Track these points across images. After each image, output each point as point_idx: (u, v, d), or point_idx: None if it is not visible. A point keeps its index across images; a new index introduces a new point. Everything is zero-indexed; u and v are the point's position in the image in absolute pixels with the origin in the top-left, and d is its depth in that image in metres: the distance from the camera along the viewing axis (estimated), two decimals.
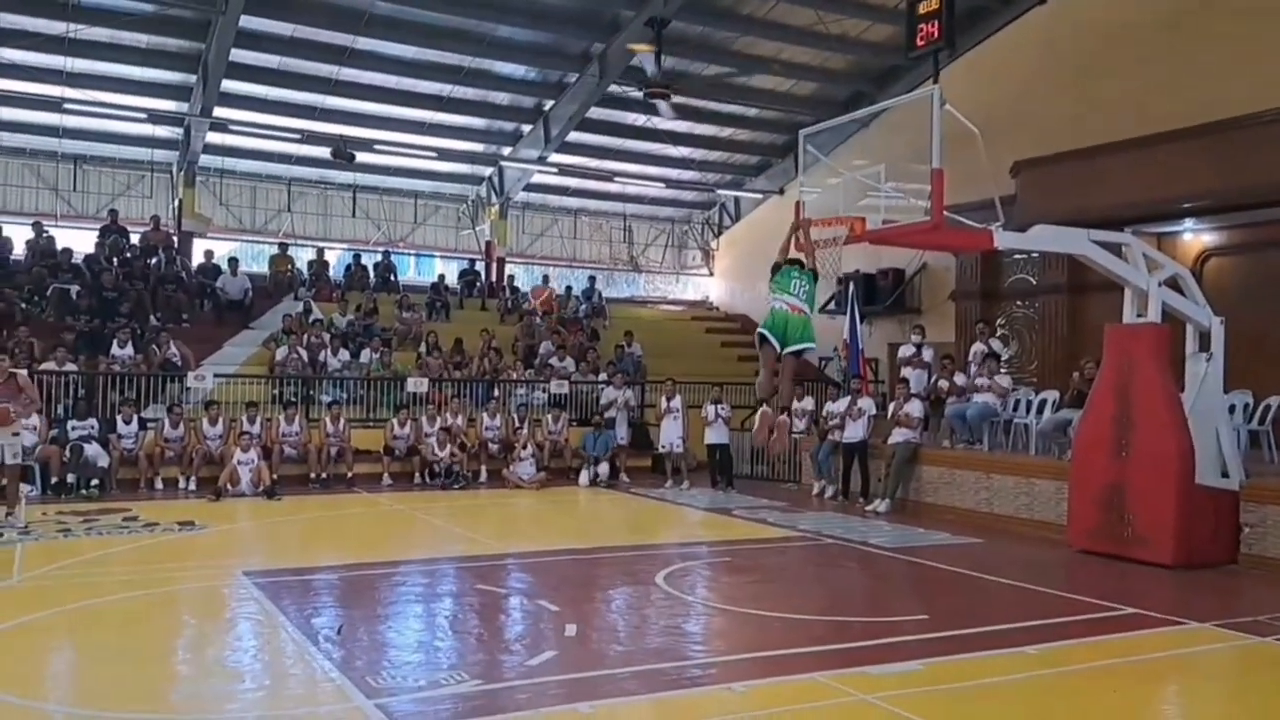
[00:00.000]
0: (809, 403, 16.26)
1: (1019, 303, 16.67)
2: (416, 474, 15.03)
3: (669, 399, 15.80)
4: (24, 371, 11.74)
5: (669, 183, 25.15)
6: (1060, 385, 12.89)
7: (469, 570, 8.81)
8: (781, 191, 23.77)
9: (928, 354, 14.51)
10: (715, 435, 15.41)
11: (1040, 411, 12.62)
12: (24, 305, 16.28)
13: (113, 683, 5.47)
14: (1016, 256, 16.22)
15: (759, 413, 7.06)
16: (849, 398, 14.23)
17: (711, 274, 27.47)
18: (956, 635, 6.65)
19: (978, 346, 13.83)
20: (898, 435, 13.09)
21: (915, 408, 13.22)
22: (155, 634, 6.63)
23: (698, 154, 23.84)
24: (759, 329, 7.04)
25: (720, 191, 25.83)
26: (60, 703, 5.19)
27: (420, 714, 4.95)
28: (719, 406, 15.45)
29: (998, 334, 15.56)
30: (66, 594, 7.39)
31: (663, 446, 15.91)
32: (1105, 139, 14.07)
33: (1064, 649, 6.42)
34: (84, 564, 8.59)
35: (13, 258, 18.40)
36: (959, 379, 13.60)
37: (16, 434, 10.31)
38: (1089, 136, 14.37)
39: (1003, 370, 13.66)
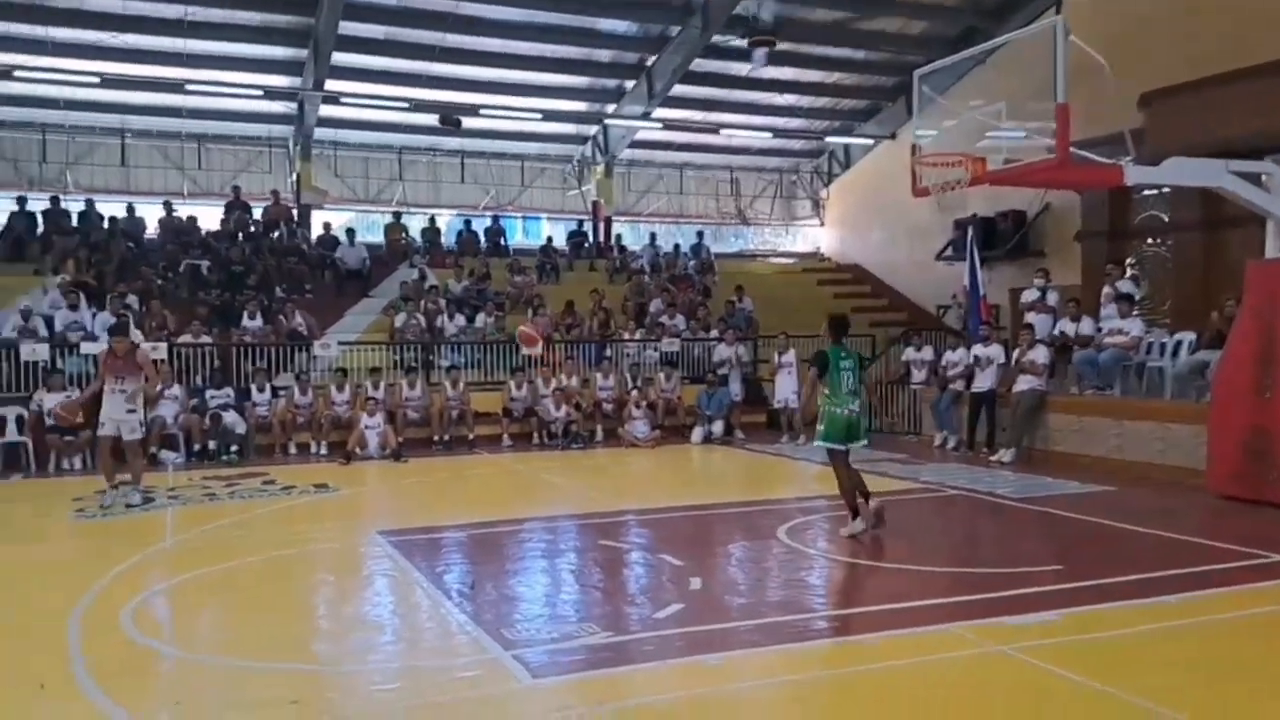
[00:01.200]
0: (928, 352, 15.92)
1: (1150, 241, 15.85)
2: (534, 434, 15.31)
3: (782, 353, 15.65)
4: (147, 347, 12.03)
5: (776, 132, 24.70)
6: (1196, 326, 12.26)
7: (591, 527, 8.94)
8: (894, 136, 23.11)
9: (1052, 298, 13.98)
10: None
11: (1175, 354, 12.05)
12: (160, 282, 17.10)
13: (261, 636, 5.76)
14: (1146, 193, 15.40)
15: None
16: (971, 346, 13.83)
17: (822, 224, 26.97)
18: (1093, 585, 6.44)
19: (1107, 288, 13.24)
20: (1022, 383, 12.67)
21: (1040, 354, 12.76)
22: (298, 590, 6.96)
23: (804, 101, 23.33)
24: (828, 445, 8.00)
25: (829, 139, 25.24)
26: (214, 653, 5.48)
27: (555, 664, 5.06)
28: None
29: (1128, 274, 14.86)
30: (215, 554, 7.79)
31: (777, 402, 15.81)
32: (1240, 64, 13.17)
33: (1207, 598, 6.15)
34: (229, 526, 9.03)
35: (147, 237, 19.33)
36: (1086, 323, 13.06)
37: (132, 410, 10.13)
38: (1222, 62, 13.47)
39: (1135, 313, 13.05)
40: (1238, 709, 4.47)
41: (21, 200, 18.81)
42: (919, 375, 15.74)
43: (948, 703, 4.58)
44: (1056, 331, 13.47)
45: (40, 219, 18.50)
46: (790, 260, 26.37)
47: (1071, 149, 8.37)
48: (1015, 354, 13.17)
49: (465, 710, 4.49)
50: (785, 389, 15.51)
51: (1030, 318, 13.73)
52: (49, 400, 12.61)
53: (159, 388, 12.19)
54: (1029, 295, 14.28)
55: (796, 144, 25.98)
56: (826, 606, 6.26)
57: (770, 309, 19.88)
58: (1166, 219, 15.43)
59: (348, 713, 4.50)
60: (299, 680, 4.91)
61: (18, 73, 17.88)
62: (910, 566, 7.20)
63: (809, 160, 26.90)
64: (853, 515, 8.10)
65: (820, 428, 8.23)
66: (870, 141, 24.33)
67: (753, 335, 18.40)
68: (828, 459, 8.33)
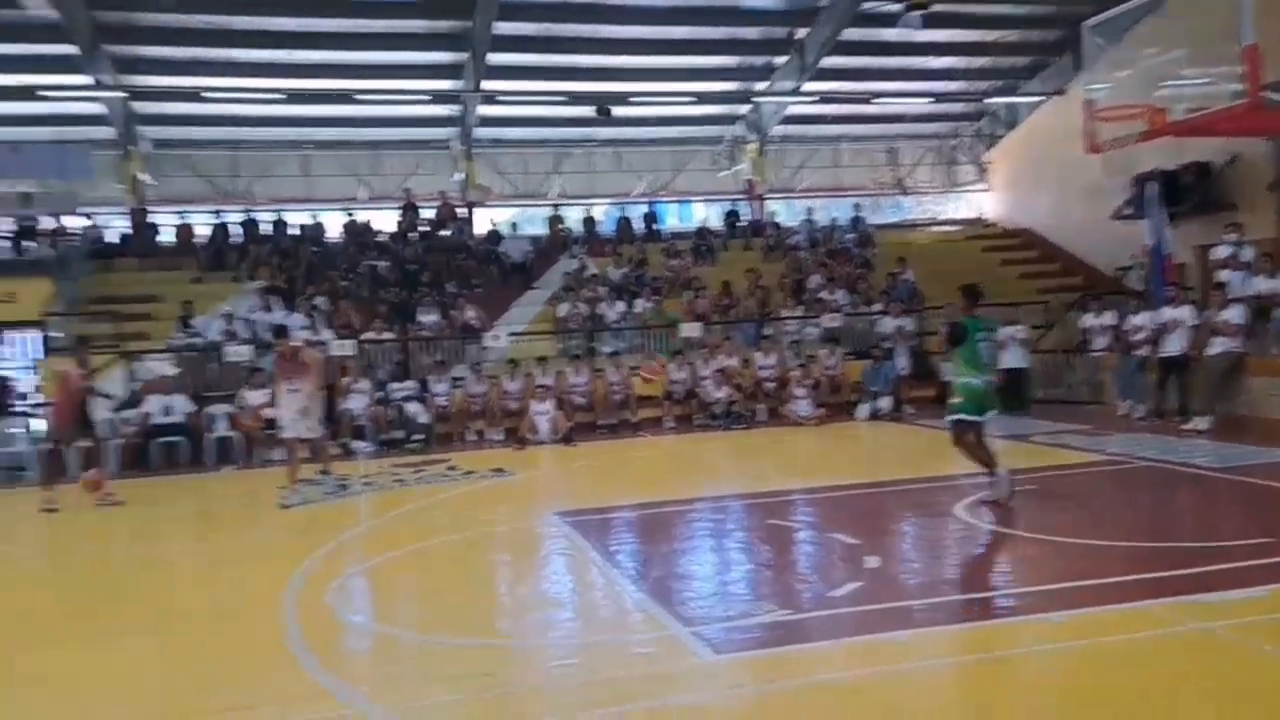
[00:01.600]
0: (1108, 317, 15.11)
1: None
2: (696, 416, 15.44)
3: None
4: (314, 350, 11.93)
5: (934, 97, 23.90)
6: None
7: (758, 506, 8.97)
8: (1061, 92, 21.88)
9: (1246, 253, 13.01)
10: (1012, 358, 14.61)
11: None
12: (343, 283, 18.16)
13: (451, 613, 6.09)
14: None
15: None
16: (1156, 309, 13.05)
17: (987, 189, 25.92)
18: None
19: None
20: (1216, 345, 11.86)
21: (1235, 314, 11.89)
22: (483, 570, 7.31)
23: (963, 63, 22.50)
24: (964, 416, 7.98)
25: (991, 100, 24.23)
26: (410, 629, 5.84)
27: (736, 641, 5.14)
28: (1015, 328, 14.65)
29: None
30: (406, 537, 8.28)
31: (948, 375, 15.33)
32: None
33: None
34: (417, 510, 9.56)
35: (329, 241, 20.55)
36: None
37: (307, 409, 10.40)
38: None
39: None
40: None
41: (219, 214, 20.31)
42: (1100, 342, 14.96)
43: (1145, 684, 4.40)
44: (1252, 290, 12.53)
45: (237, 230, 19.94)
46: (953, 228, 25.46)
47: (1263, 92, 7.77)
48: (1207, 315, 12.34)
49: (646, 685, 4.62)
50: None
51: (1222, 276, 12.82)
52: (252, 397, 13.63)
53: (341, 382, 12.62)
54: (1220, 251, 13.34)
55: (956, 107, 25.06)
56: (1009, 583, 6.08)
57: (935, 279, 19.24)
58: None
59: (534, 687, 4.72)
60: (488, 655, 5.18)
61: (205, 94, 19.31)
62: (1099, 542, 6.90)
63: (970, 123, 25.90)
64: (990, 472, 8.08)
65: (955, 400, 8.20)
66: (1036, 99, 23.18)
67: (918, 307, 17.92)
68: (952, 431, 8.30)
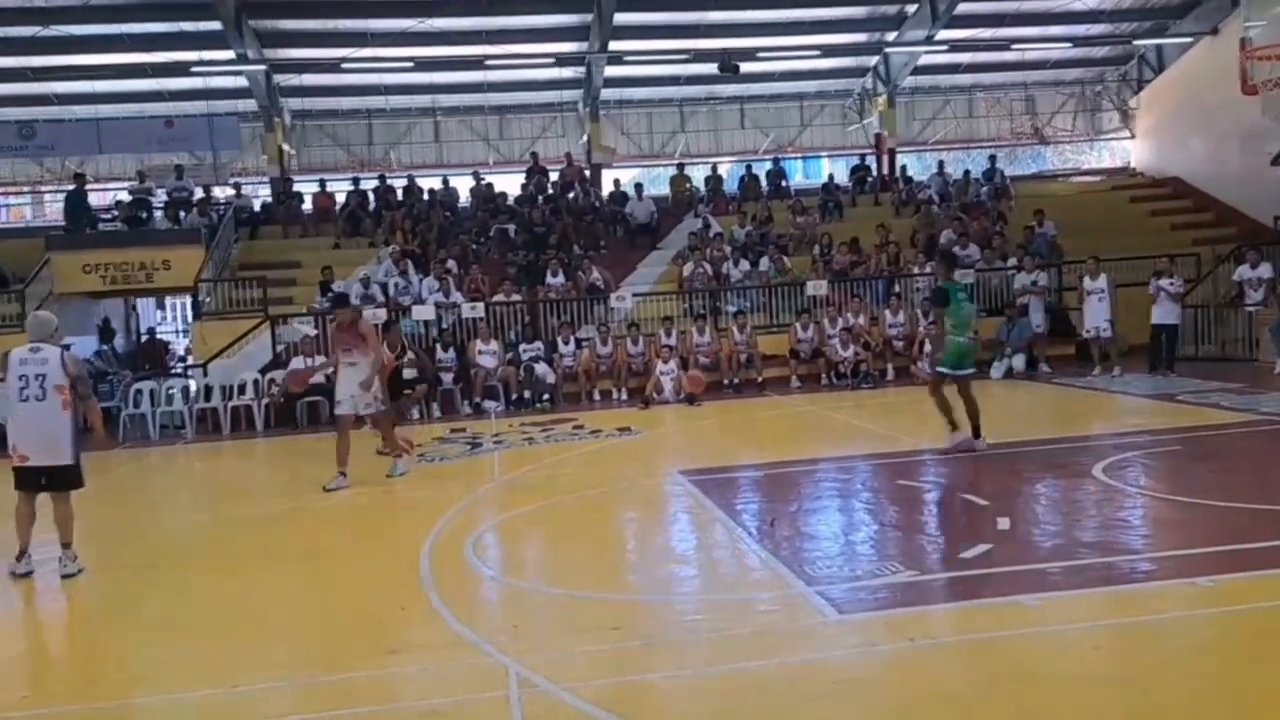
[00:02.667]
0: (1265, 269, 14.24)
1: None
2: (823, 375, 15.27)
3: (1091, 278, 14.54)
4: (367, 319, 11.05)
5: (1076, 41, 22.73)
6: None
7: (886, 466, 8.86)
8: (1215, 31, 20.48)
9: None
10: (1162, 314, 13.92)
11: None
12: (474, 246, 18.61)
13: (579, 568, 6.28)
14: None
15: None
16: None
17: (1133, 136, 24.54)
18: None
19: None
20: None
21: None
22: (610, 526, 7.51)
23: (1108, 3, 21.25)
24: (938, 370, 9.17)
25: (1138, 42, 22.86)
26: (541, 582, 6.05)
27: (861, 601, 5.14)
28: (1169, 280, 13.93)
29: None
30: (537, 493, 8.52)
31: (1087, 331, 14.73)
32: None
33: None
34: (547, 467, 9.82)
35: (460, 206, 21.06)
36: None
37: (365, 384, 9.10)
38: None
39: None
40: None
41: (355, 181, 21.07)
42: (1255, 295, 14.09)
43: None
44: None
45: (371, 196, 20.66)
46: (1096, 178, 24.27)
47: None
48: None
49: (772, 642, 4.67)
50: (1097, 316, 14.40)
51: None
52: (387, 357, 14.16)
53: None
54: None
55: (1100, 51, 23.76)
56: (1151, 548, 5.84)
57: (1076, 232, 18.43)
58: None
59: (664, 640, 4.82)
60: (616, 608, 5.32)
61: (345, 65, 19.99)
62: (1250, 506, 6.56)
63: (1115, 68, 24.52)
64: (952, 428, 8.96)
65: (938, 355, 9.22)
66: (1188, 40, 21.72)
67: (1056, 261, 17.19)
68: (930, 380, 9.47)
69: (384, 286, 16.54)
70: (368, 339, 9.28)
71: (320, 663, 4.82)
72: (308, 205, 20.74)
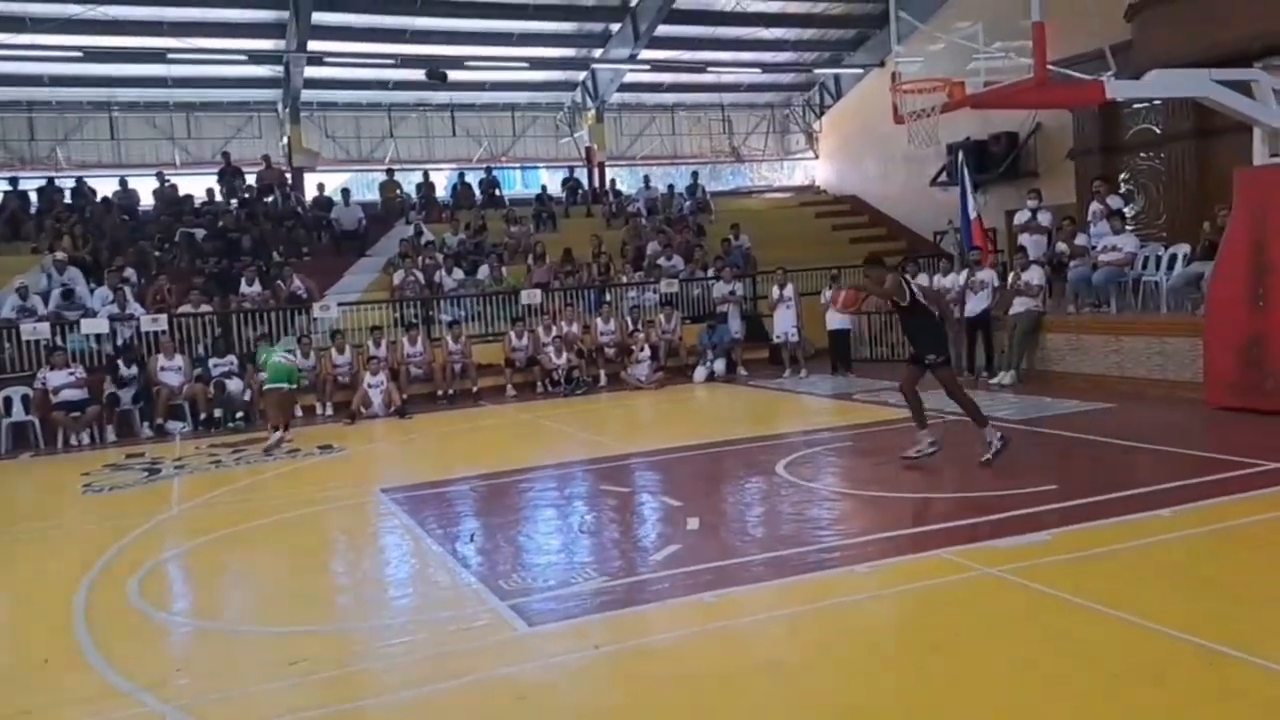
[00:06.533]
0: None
1: (1143, 155, 15.66)
2: (538, 383, 15.37)
3: (781, 288, 15.63)
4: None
5: (765, 67, 24.40)
6: (1191, 238, 12.19)
7: (594, 472, 9.02)
8: (882, 64, 22.65)
9: (1045, 218, 13.88)
10: (836, 321, 15.22)
11: (1171, 267, 11.98)
12: (157, 254, 17.11)
13: (257, 601, 5.91)
14: (1138, 106, 15.19)
15: None
16: (965, 271, 13.77)
17: (816, 156, 26.71)
18: (1087, 503, 6.50)
19: (1095, 206, 13.13)
20: (1019, 305, 12.65)
21: (1035, 275, 12.70)
22: (298, 552, 7.02)
23: (792, 34, 22.99)
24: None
25: (819, 70, 24.91)
26: (217, 619, 5.61)
27: (551, 612, 5.16)
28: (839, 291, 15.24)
29: (1121, 190, 14.69)
30: (220, 520, 7.92)
31: (778, 337, 15.82)
32: None
33: (1202, 509, 6.22)
34: (236, 491, 9.16)
35: (141, 209, 19.30)
36: (1080, 240, 12.97)
37: None
38: None
39: (1128, 228, 12.95)
40: (1238, 620, 4.46)
41: (14, 180, 18.76)
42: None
43: (940, 629, 4.66)
44: (1054, 251, 13.38)
45: (34, 198, 18.47)
46: (787, 195, 26.17)
47: (1051, 67, 8.25)
48: (1010, 276, 13.12)
49: (462, 661, 4.58)
50: (785, 323, 15.53)
51: (1023, 239, 13.64)
52: (53, 378, 12.74)
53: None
54: (1021, 216, 14.16)
55: (787, 77, 25.65)
56: (821, 538, 6.30)
57: (769, 245, 19.78)
58: (1159, 131, 15.24)
59: (348, 670, 4.60)
60: (299, 641, 5.01)
61: None
62: (907, 495, 7.27)
63: (800, 93, 26.57)
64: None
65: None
66: (860, 71, 23.97)
67: (751, 272, 18.35)
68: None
69: (46, 298, 14.81)
70: None
71: None
72: None
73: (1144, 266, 12.40)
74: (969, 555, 5.52)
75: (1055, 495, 6.84)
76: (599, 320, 16.31)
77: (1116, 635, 4.34)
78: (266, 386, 12.01)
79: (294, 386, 12.48)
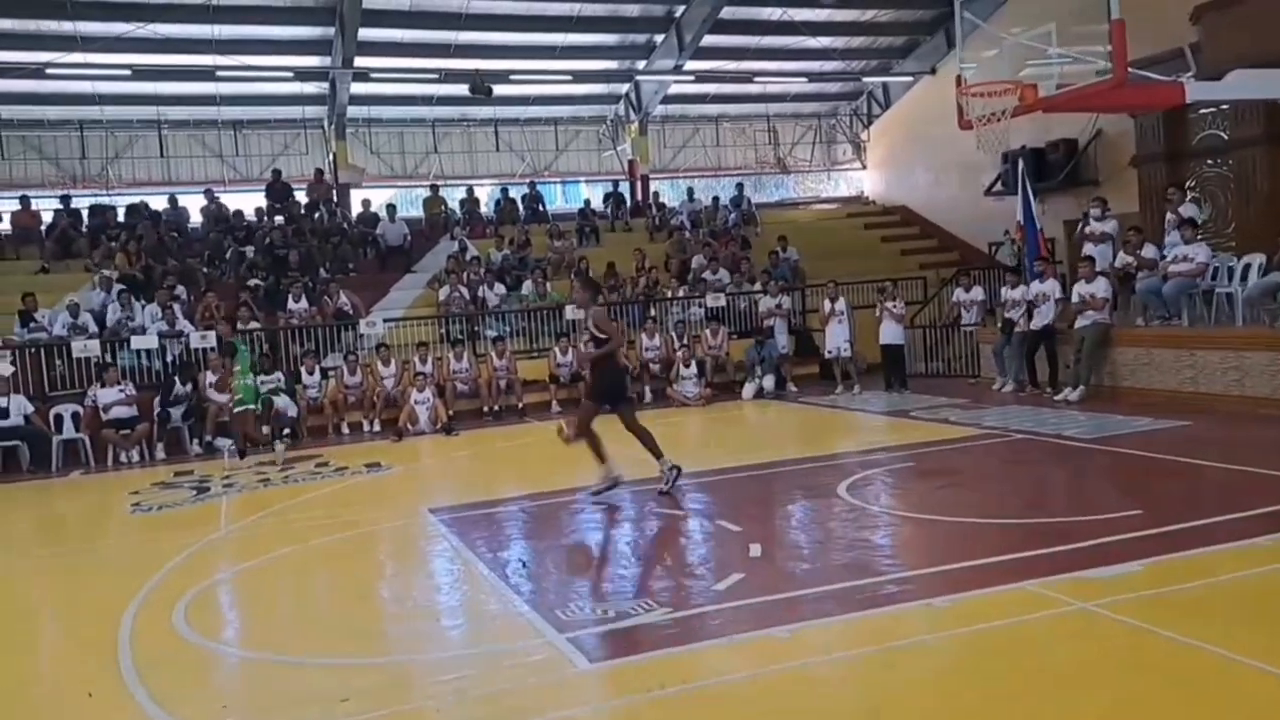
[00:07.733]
0: (977, 292, 15.49)
1: (1210, 162, 15.07)
2: (582, 399, 15.09)
3: (832, 301, 15.27)
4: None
5: (812, 76, 24.07)
6: (1264, 247, 11.66)
7: (644, 493, 8.73)
8: (933, 71, 22.32)
9: (1110, 227, 13.40)
10: (889, 335, 14.82)
11: (1244, 278, 11.48)
12: (205, 270, 17.15)
13: (305, 630, 5.68)
14: (1204, 111, 14.63)
15: None
16: (1028, 284, 13.34)
17: (864, 167, 26.29)
18: (1176, 530, 6.10)
19: (1170, 215, 12.63)
20: (1085, 318, 12.18)
21: (1101, 287, 12.22)
22: (346, 578, 6.79)
23: (839, 42, 22.66)
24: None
25: (867, 79, 24.53)
26: (264, 649, 5.37)
27: (612, 646, 4.88)
28: (892, 303, 14.85)
29: (1189, 198, 14.16)
30: (270, 542, 7.75)
31: (829, 352, 15.45)
32: None
33: None
34: (284, 511, 9.00)
35: (190, 226, 19.41)
36: (1148, 251, 12.49)
37: None
38: None
39: (1199, 238, 12.45)
40: None
41: (65, 199, 18.96)
42: (969, 316, 15.28)
43: (1027, 669, 4.31)
44: (1118, 262, 12.91)
45: (85, 216, 18.63)
46: (834, 206, 25.78)
47: (1129, 69, 7.87)
48: (1075, 288, 12.66)
49: (520, 701, 4.31)
50: (837, 338, 15.14)
51: (1088, 249, 13.18)
52: (104, 396, 12.74)
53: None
54: (1086, 226, 13.69)
55: (833, 86, 25.30)
56: (891, 569, 5.95)
57: (816, 257, 19.44)
58: (1226, 137, 14.66)
59: (398, 710, 4.34)
60: (349, 674, 4.77)
61: (50, 70, 17.95)
62: (978, 520, 6.90)
63: (847, 103, 26.19)
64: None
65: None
66: (909, 79, 23.56)
67: (799, 285, 18.00)
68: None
69: (99, 316, 14.86)
70: None
71: None
72: (5, 225, 18.44)
73: (1214, 277, 11.91)
74: (1055, 588, 5.16)
75: (1141, 521, 6.44)
76: (644, 335, 16.05)
77: (1229, 678, 3.98)
78: (237, 410, 12.47)
79: (257, 408, 12.89)
